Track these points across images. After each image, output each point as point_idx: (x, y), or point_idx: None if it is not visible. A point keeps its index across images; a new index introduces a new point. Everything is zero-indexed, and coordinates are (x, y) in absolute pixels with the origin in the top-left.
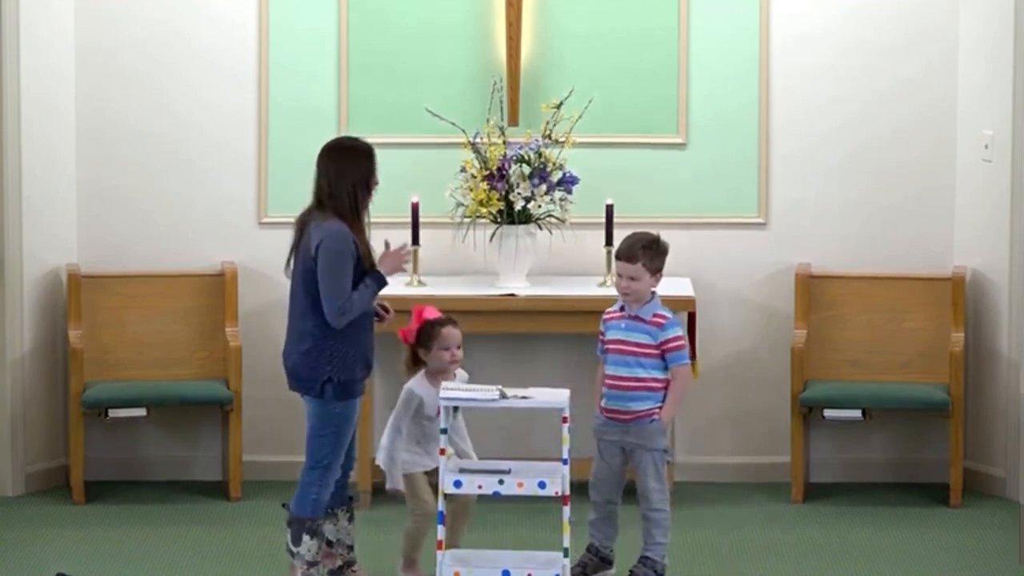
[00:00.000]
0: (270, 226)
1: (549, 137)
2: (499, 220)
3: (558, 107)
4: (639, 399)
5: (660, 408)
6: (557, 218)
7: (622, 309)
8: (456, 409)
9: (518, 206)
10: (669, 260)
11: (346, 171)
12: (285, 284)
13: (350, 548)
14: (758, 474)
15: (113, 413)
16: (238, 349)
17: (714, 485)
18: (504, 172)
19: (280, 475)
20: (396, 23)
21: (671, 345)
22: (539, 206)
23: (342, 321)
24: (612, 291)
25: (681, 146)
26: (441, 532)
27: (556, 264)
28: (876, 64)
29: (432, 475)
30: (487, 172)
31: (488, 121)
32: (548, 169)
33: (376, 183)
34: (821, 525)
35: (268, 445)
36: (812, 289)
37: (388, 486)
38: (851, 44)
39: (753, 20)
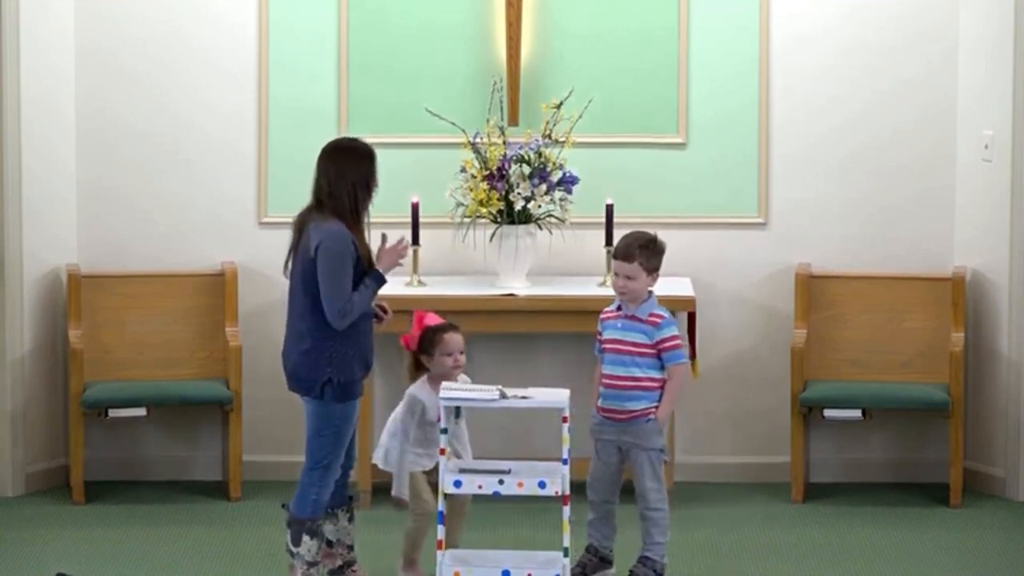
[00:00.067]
0: (270, 226)
1: (549, 137)
2: (499, 220)
3: (558, 107)
4: (635, 398)
5: (656, 408)
6: (557, 218)
7: (619, 308)
8: (458, 416)
9: (518, 206)
10: (669, 260)
11: (346, 171)
12: (285, 284)
13: (350, 548)
14: (758, 474)
15: (113, 413)
16: (238, 349)
17: (714, 485)
18: (504, 172)
19: (280, 475)
20: (396, 23)
21: (667, 344)
22: (539, 206)
23: (343, 323)
24: (612, 291)
25: (681, 146)
26: (441, 532)
27: (556, 264)
28: (876, 64)
29: (432, 475)
30: (487, 172)
31: (488, 121)
32: (548, 169)
33: (376, 185)
34: (821, 525)
35: (268, 445)
36: (812, 289)
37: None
38: (851, 44)
39: (753, 20)
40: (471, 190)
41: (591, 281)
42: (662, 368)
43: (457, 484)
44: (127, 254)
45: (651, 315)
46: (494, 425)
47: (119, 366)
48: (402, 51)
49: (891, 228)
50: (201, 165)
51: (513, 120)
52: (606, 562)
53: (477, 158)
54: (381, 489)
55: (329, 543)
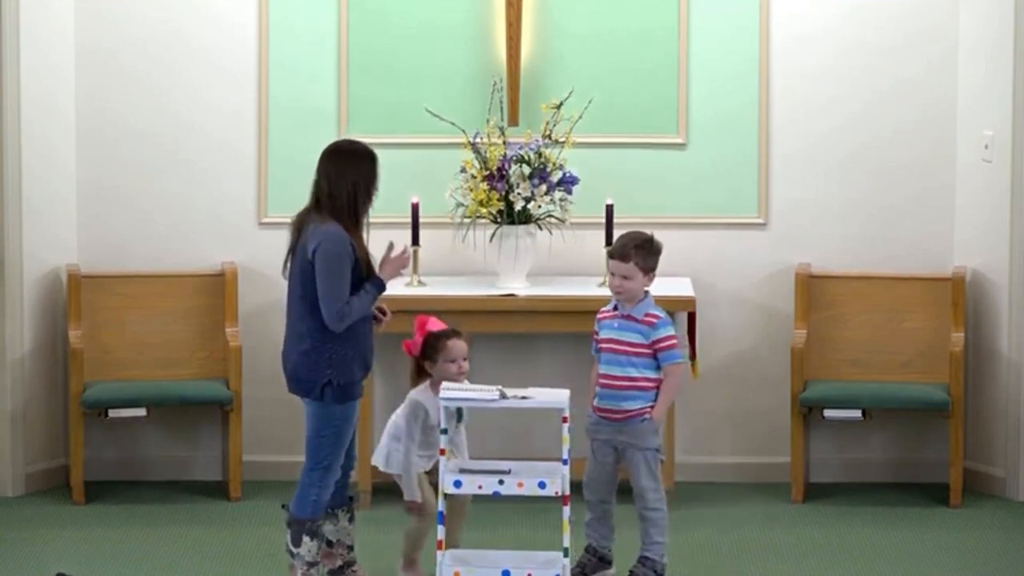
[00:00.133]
0: (270, 226)
1: (549, 137)
2: (499, 220)
3: (558, 107)
4: (631, 398)
5: (652, 407)
6: (557, 218)
7: (615, 308)
8: (459, 421)
9: (518, 206)
10: (669, 260)
11: (346, 172)
12: (285, 284)
13: (350, 548)
14: (758, 474)
15: (113, 413)
16: (238, 349)
17: (714, 485)
18: (504, 172)
19: (280, 475)
20: (396, 23)
21: (663, 344)
22: (539, 206)
23: (341, 325)
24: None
25: (681, 146)
26: (441, 532)
27: (556, 264)
28: (876, 64)
29: (433, 475)
30: (487, 172)
31: (488, 121)
32: (548, 169)
33: (376, 188)
34: (821, 525)
35: (268, 445)
36: (812, 289)
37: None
38: (851, 44)
39: (753, 20)
40: (471, 190)
41: (591, 281)
42: (658, 368)
43: (457, 484)
44: (127, 254)
45: (647, 315)
46: (494, 425)
47: (119, 366)
48: (402, 51)
49: (891, 228)
50: (201, 165)
51: (513, 120)
52: (605, 562)
53: (477, 158)
54: (381, 489)
55: (329, 543)
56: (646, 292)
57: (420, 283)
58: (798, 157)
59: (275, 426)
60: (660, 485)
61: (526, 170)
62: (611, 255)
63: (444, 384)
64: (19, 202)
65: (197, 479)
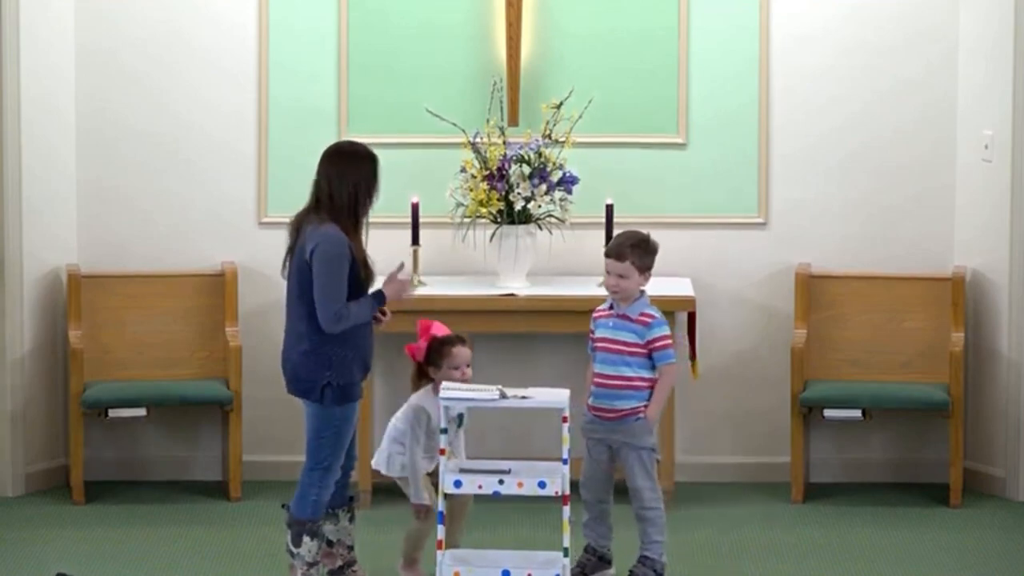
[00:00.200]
0: (270, 226)
1: (549, 137)
2: (499, 220)
3: (558, 107)
4: (625, 398)
5: (646, 407)
6: (557, 218)
7: (611, 307)
8: (460, 425)
9: (518, 206)
10: (669, 260)
11: (347, 173)
12: (285, 284)
13: (350, 548)
14: (758, 474)
15: (113, 413)
16: (238, 349)
17: (714, 485)
18: (504, 172)
19: (280, 475)
20: (396, 23)
21: (657, 344)
22: (539, 206)
23: (336, 328)
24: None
25: (681, 146)
26: (441, 532)
27: (556, 264)
28: (876, 64)
29: (434, 476)
30: (487, 172)
31: (488, 121)
32: (548, 169)
33: (377, 190)
34: (821, 525)
35: (268, 445)
36: (812, 289)
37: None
38: (851, 44)
39: (753, 20)
40: (471, 190)
41: (591, 281)
42: (653, 368)
43: (457, 484)
44: (127, 254)
45: (642, 314)
46: (494, 425)
47: (119, 366)
48: (402, 51)
49: (891, 228)
50: (201, 165)
51: (513, 120)
52: (605, 561)
53: (477, 158)
54: (381, 489)
55: (329, 543)
56: (642, 292)
57: (420, 283)
58: (798, 157)
59: (275, 426)
60: (656, 484)
61: (526, 170)
62: (607, 254)
63: (444, 384)
64: (19, 202)
65: (197, 479)
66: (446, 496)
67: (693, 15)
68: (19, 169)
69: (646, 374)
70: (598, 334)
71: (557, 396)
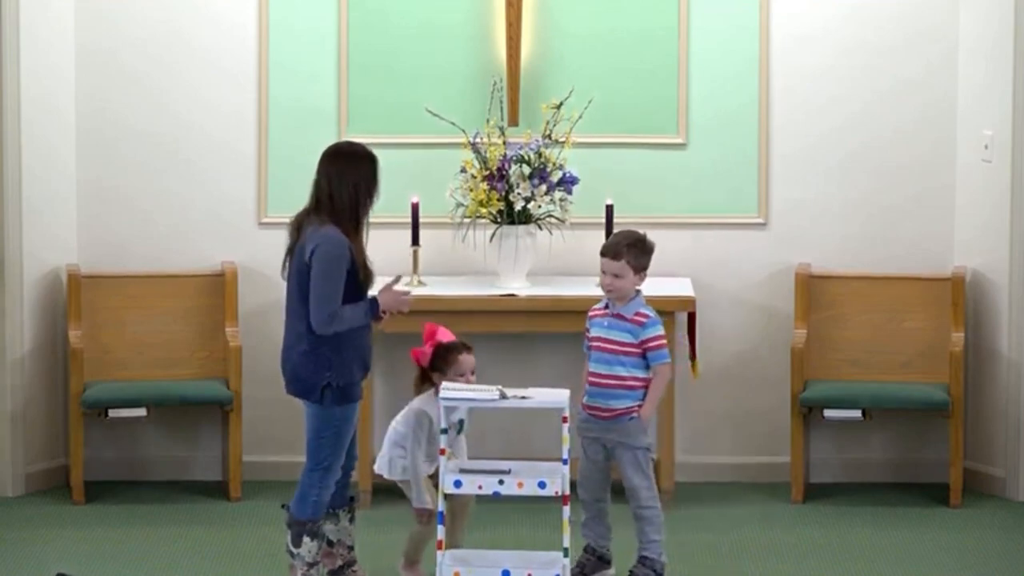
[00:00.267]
0: (270, 226)
1: (549, 137)
2: (499, 220)
3: (558, 107)
4: (619, 397)
5: (640, 406)
6: (557, 218)
7: (606, 307)
8: (459, 432)
9: (518, 206)
10: (669, 260)
11: (346, 173)
12: (284, 285)
13: (350, 548)
14: (758, 474)
15: (113, 413)
16: (238, 349)
17: (714, 485)
18: (504, 172)
19: (280, 475)
20: (396, 23)
21: (652, 344)
22: (539, 206)
23: (327, 329)
24: None
25: (681, 146)
26: (441, 532)
27: (556, 264)
28: (876, 64)
29: (435, 477)
30: (487, 172)
31: (488, 121)
32: (548, 169)
33: (377, 190)
34: (821, 525)
35: (268, 445)
36: (812, 289)
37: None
38: (851, 44)
39: (753, 20)
40: (471, 190)
41: (591, 281)
42: (648, 367)
43: (457, 484)
44: (127, 254)
45: (637, 314)
46: (494, 425)
47: (119, 366)
48: (402, 51)
49: (891, 228)
50: (201, 165)
51: (513, 120)
52: (604, 561)
53: (477, 158)
54: (381, 489)
55: (330, 543)
56: (637, 291)
57: (420, 283)
58: (798, 157)
59: (275, 426)
60: (652, 483)
61: (526, 170)
62: (603, 253)
63: (444, 384)
64: (19, 202)
65: (197, 479)
66: (447, 496)
67: (693, 15)
68: (19, 169)
69: (640, 374)
70: (593, 333)
71: (557, 396)
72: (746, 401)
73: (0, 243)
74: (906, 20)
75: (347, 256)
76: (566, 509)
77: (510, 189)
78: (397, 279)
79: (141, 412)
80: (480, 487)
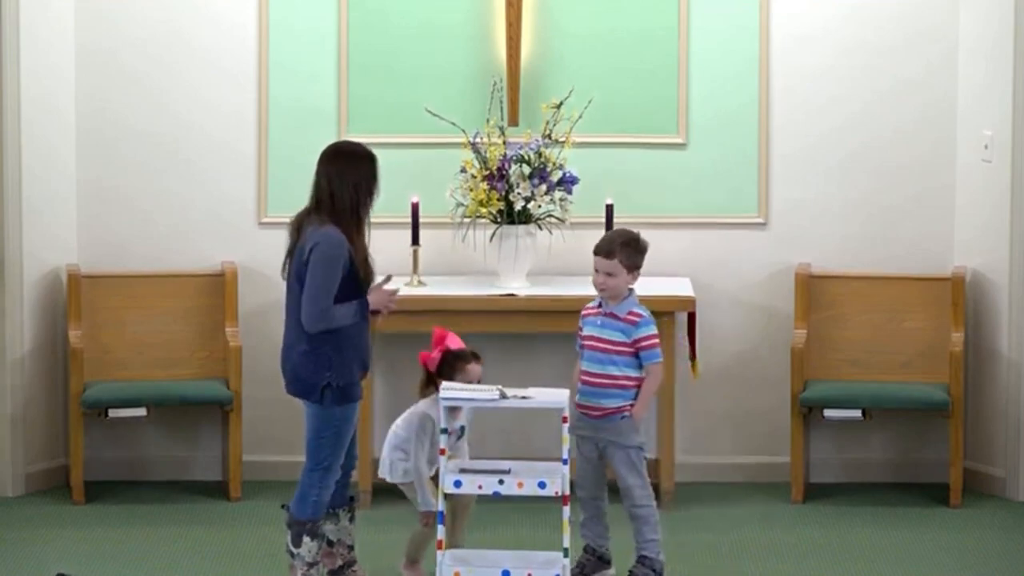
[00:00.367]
0: (270, 226)
1: (549, 137)
2: (499, 220)
3: (558, 107)
4: (611, 396)
5: (632, 405)
6: (557, 218)
7: (599, 305)
8: (460, 437)
9: (518, 206)
10: (669, 260)
11: (346, 172)
12: (284, 285)
13: (350, 548)
14: (758, 474)
15: (113, 413)
16: (238, 349)
17: (714, 485)
18: (504, 172)
19: (280, 475)
20: (396, 23)
21: (644, 343)
22: (539, 206)
23: (317, 327)
24: None
25: (681, 146)
26: (441, 532)
27: (556, 264)
28: (876, 64)
29: (435, 478)
30: (487, 172)
31: (488, 121)
32: (548, 169)
33: (377, 189)
34: (821, 525)
35: (268, 445)
36: (812, 289)
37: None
38: (851, 44)
39: (753, 20)
40: (471, 190)
41: (590, 281)
42: (641, 367)
43: (457, 484)
44: (127, 254)
45: (630, 313)
46: (494, 425)
47: (119, 366)
48: (402, 51)
49: (891, 228)
50: (201, 165)
51: (513, 120)
52: (604, 561)
53: (477, 158)
54: (381, 489)
55: (330, 543)
56: (630, 290)
57: (420, 283)
58: (798, 157)
59: (275, 426)
60: (646, 481)
61: (526, 170)
62: (596, 252)
63: (444, 384)
64: (19, 202)
65: (197, 479)
66: (447, 496)
67: (693, 15)
68: (19, 169)
69: (633, 373)
70: (586, 332)
71: (557, 396)
72: (746, 401)
73: (0, 243)
74: (906, 20)
75: (344, 256)
76: (566, 509)
77: (510, 189)
78: (388, 279)
79: (141, 412)
80: (480, 487)
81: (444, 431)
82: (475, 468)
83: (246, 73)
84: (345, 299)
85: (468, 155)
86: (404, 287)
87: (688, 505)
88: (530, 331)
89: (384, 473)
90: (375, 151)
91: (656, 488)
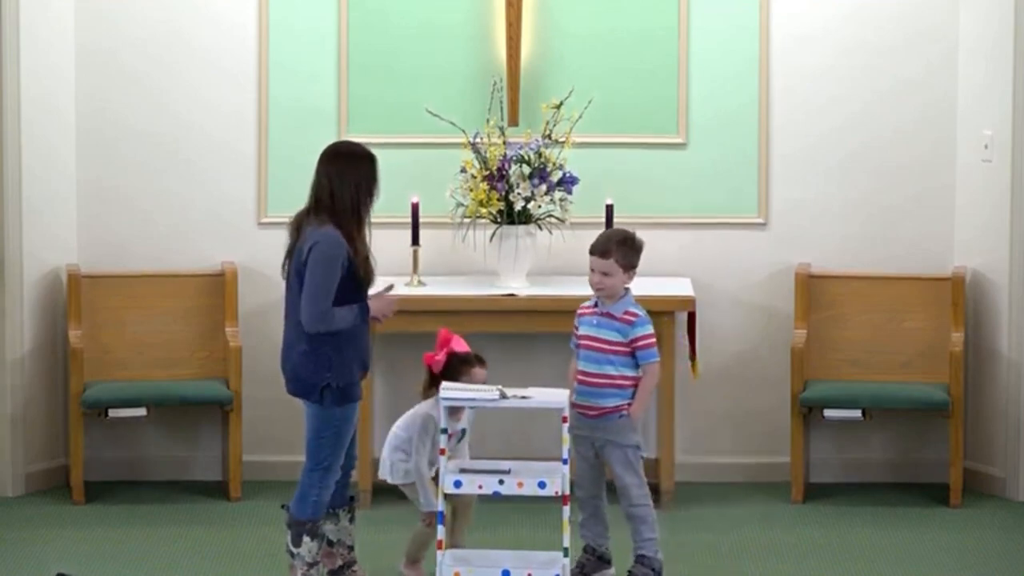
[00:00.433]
0: (270, 226)
1: (549, 137)
2: (499, 220)
3: (558, 107)
4: (608, 396)
5: (629, 405)
6: (557, 218)
7: (596, 305)
8: (461, 440)
9: (518, 206)
10: (669, 260)
11: (346, 172)
12: (284, 285)
13: (350, 548)
14: (758, 474)
15: (113, 413)
16: (238, 349)
17: (714, 485)
18: (504, 172)
19: (280, 475)
20: (396, 23)
21: (641, 343)
22: (539, 206)
23: (316, 328)
24: None
25: (681, 146)
26: (441, 532)
27: (556, 264)
28: (876, 64)
29: (435, 479)
30: (487, 172)
31: (488, 121)
32: (548, 169)
33: (377, 189)
34: (821, 525)
35: (268, 445)
36: (812, 289)
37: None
38: (851, 44)
39: (753, 20)
40: (471, 190)
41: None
42: (637, 366)
43: (457, 484)
44: (127, 254)
45: (626, 313)
46: (494, 425)
47: (119, 366)
48: (402, 51)
49: (891, 228)
50: (201, 165)
51: (513, 120)
52: (604, 561)
53: (477, 158)
54: (381, 489)
55: (330, 543)
56: (627, 290)
57: (420, 283)
58: (798, 157)
59: (275, 426)
60: (643, 480)
61: (526, 170)
62: (592, 251)
63: (444, 384)
64: (19, 202)
65: (197, 479)
66: (447, 496)
67: (693, 15)
68: (19, 169)
69: (629, 372)
70: (582, 331)
71: (557, 396)
72: (746, 401)
73: (0, 243)
74: (906, 20)
75: (343, 256)
76: (566, 509)
77: (510, 189)
78: (389, 287)
79: (141, 412)
80: (480, 487)
81: (444, 431)
82: (475, 468)
83: (246, 73)
84: (344, 299)
85: (468, 155)
86: (404, 287)
87: (688, 505)
88: (530, 331)
89: (384, 474)
90: (375, 151)
91: (656, 488)
